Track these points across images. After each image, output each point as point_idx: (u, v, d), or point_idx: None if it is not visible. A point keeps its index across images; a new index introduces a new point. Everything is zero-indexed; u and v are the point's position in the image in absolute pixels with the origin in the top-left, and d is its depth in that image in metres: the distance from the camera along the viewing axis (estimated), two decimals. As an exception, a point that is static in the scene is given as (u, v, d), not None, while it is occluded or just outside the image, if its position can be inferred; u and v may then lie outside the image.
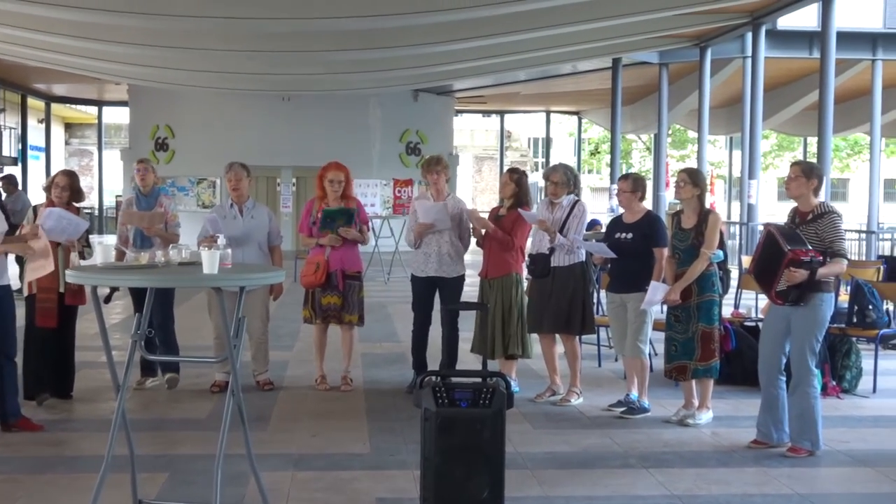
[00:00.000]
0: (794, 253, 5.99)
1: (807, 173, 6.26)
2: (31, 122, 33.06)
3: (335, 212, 7.88)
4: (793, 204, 6.44)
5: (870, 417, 7.44)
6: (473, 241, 8.07)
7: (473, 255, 7.91)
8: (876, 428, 7.11)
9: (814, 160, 19.49)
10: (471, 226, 7.94)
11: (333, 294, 7.93)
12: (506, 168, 8.64)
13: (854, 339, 8.55)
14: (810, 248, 6.03)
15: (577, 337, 7.75)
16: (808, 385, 6.21)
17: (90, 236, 7.37)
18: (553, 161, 33.04)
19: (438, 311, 7.86)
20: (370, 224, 8.36)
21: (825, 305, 6.19)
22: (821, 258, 6.03)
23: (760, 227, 13.75)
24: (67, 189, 7.37)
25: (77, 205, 7.54)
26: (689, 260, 6.86)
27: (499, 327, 7.64)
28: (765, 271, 6.25)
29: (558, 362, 7.91)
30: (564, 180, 7.70)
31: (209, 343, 8.10)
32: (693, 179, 6.97)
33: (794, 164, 6.41)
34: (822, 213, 6.21)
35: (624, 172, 8.18)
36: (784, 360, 6.37)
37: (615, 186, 21.82)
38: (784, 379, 6.38)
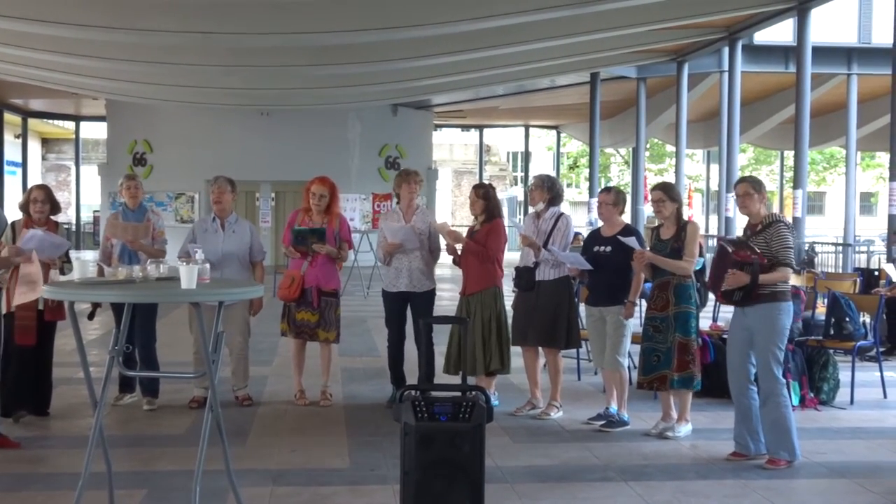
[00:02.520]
0: (737, 255, 6.09)
1: (757, 188, 6.38)
2: (8, 137, 32.88)
3: (305, 231, 7.87)
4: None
5: (847, 429, 7.48)
6: (448, 257, 8.06)
7: (454, 271, 7.91)
8: (853, 439, 7.15)
9: (790, 173, 19.62)
10: (443, 243, 7.95)
11: (308, 310, 7.92)
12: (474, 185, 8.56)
13: (831, 351, 8.60)
14: (758, 253, 6.12)
15: (560, 351, 7.77)
16: (777, 395, 6.26)
17: (69, 252, 7.31)
18: (532, 175, 33.10)
19: (412, 325, 7.88)
20: (352, 241, 8.33)
21: (783, 314, 6.25)
22: (765, 262, 6.11)
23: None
24: (47, 202, 7.31)
25: (55, 218, 7.47)
26: (666, 270, 6.90)
27: (479, 343, 7.63)
28: (717, 278, 6.34)
29: (540, 376, 7.92)
30: (539, 184, 7.74)
31: (188, 359, 8.06)
32: (670, 195, 7.01)
33: (743, 182, 6.45)
34: (771, 223, 6.30)
35: (605, 186, 8.20)
36: (752, 370, 6.41)
37: (594, 200, 21.88)
38: (755, 389, 6.42)
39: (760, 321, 6.24)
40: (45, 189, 7.45)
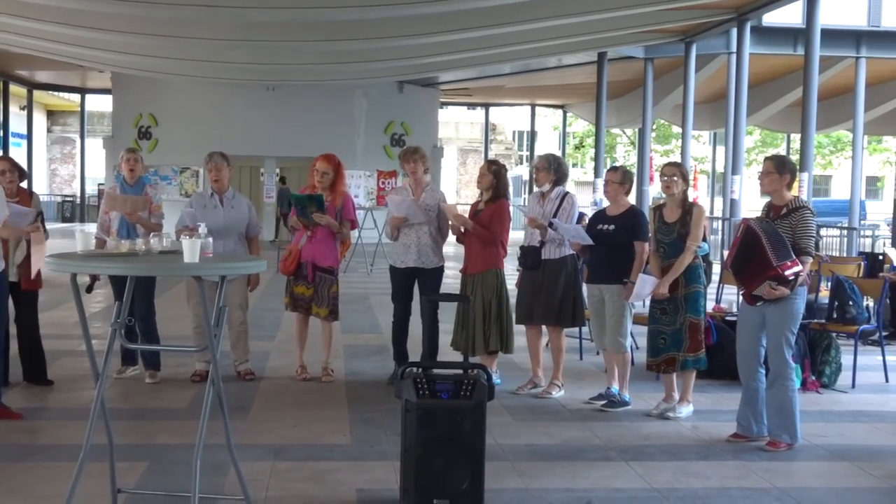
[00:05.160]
0: (780, 268, 5.99)
1: (779, 168, 6.28)
2: (13, 109, 32.88)
3: (303, 198, 7.85)
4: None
5: (848, 412, 7.48)
6: (453, 236, 8.06)
7: (457, 249, 7.90)
8: (854, 423, 7.15)
9: (796, 156, 19.58)
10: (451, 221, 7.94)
11: (303, 284, 7.94)
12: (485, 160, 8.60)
13: (834, 334, 8.59)
14: (793, 257, 6.04)
15: (563, 330, 7.78)
16: (786, 378, 6.25)
17: (44, 221, 7.26)
18: (537, 155, 32.93)
19: (418, 302, 7.87)
20: (356, 220, 8.30)
21: (798, 298, 6.22)
22: (800, 268, 6.05)
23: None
24: (14, 171, 7.28)
25: (26, 187, 7.46)
26: (674, 253, 6.87)
27: (479, 323, 7.64)
28: (744, 268, 6.26)
29: (542, 355, 7.92)
30: (546, 165, 7.71)
31: (189, 333, 8.07)
32: (683, 174, 6.99)
33: (767, 160, 6.43)
34: (797, 208, 6.24)
35: (612, 165, 8.12)
36: (763, 353, 6.39)
37: (599, 180, 21.81)
38: (763, 372, 6.41)
39: (775, 305, 6.17)
40: (8, 159, 7.45)
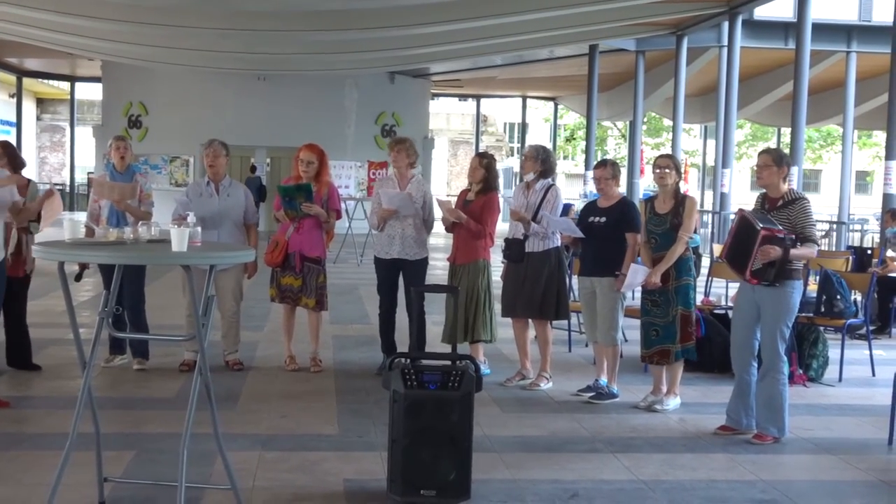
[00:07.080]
0: (767, 231, 6.01)
1: (777, 161, 6.30)
2: (2, 96, 32.73)
3: (291, 188, 7.82)
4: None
5: (835, 406, 7.51)
6: (442, 226, 8.05)
7: (446, 240, 7.89)
8: (841, 416, 7.18)
9: (786, 150, 19.62)
10: (434, 210, 7.94)
11: (291, 275, 7.91)
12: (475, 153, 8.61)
13: (821, 328, 8.61)
14: (780, 227, 6.07)
15: (549, 322, 7.78)
16: (777, 372, 6.26)
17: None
18: (527, 144, 32.87)
19: (404, 294, 7.87)
20: (342, 210, 8.27)
21: (795, 292, 6.23)
22: (794, 237, 6.06)
23: (733, 216, 13.80)
24: (3, 157, 7.27)
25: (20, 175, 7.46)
26: (666, 244, 6.87)
27: (462, 312, 7.64)
28: (739, 254, 6.26)
29: (530, 347, 7.93)
30: (533, 155, 7.72)
31: (179, 322, 8.05)
32: (676, 166, 7.01)
33: (764, 153, 6.44)
34: (794, 200, 6.25)
35: (600, 159, 8.09)
36: (757, 346, 6.40)
37: (590, 173, 21.80)
38: (756, 365, 6.42)
39: (771, 297, 6.18)
40: (3, 145, 7.44)
